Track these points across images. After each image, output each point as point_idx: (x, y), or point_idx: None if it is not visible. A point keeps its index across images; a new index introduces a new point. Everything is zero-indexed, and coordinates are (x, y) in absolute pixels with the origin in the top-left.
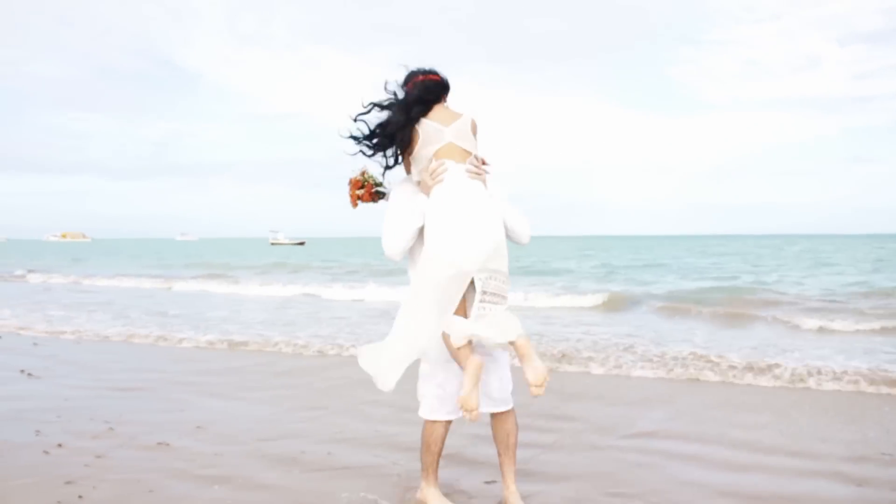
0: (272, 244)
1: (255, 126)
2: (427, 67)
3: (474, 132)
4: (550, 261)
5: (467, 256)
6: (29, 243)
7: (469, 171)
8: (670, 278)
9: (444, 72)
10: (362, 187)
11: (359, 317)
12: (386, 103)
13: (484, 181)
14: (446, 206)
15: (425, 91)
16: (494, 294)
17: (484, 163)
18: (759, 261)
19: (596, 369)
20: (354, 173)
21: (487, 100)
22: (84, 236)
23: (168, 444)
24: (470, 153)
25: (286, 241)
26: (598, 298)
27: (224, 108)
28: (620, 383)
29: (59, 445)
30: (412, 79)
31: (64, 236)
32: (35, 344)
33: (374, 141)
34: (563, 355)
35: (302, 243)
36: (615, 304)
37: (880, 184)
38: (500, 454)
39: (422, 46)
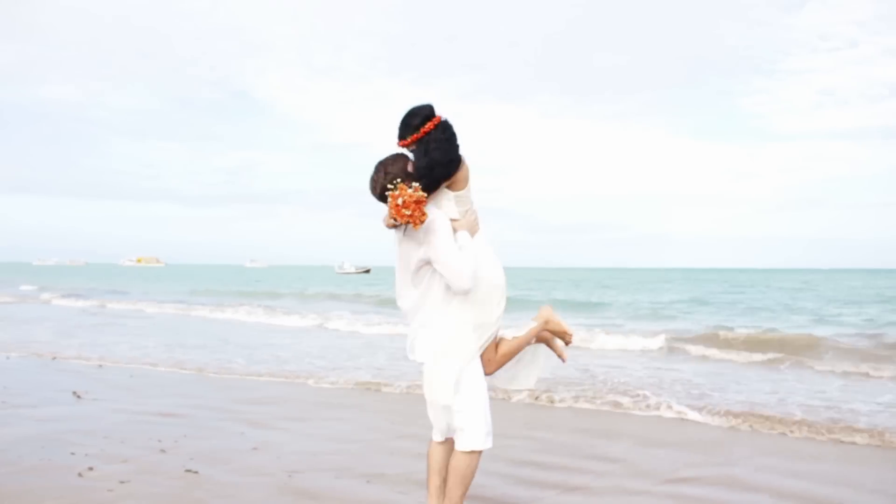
0: (338, 273)
1: (324, 155)
2: (426, 103)
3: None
4: (636, 292)
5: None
6: (106, 267)
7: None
8: (745, 318)
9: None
10: (418, 200)
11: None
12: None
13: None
14: (488, 247)
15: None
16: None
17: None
18: (852, 298)
19: (649, 412)
20: (392, 186)
21: (555, 130)
22: (158, 261)
23: (196, 473)
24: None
25: (352, 270)
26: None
27: (295, 137)
28: (674, 427)
29: (90, 469)
30: (434, 115)
31: (139, 261)
32: (100, 366)
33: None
34: (616, 398)
35: (367, 271)
36: (696, 341)
37: None
38: (432, 481)
39: (490, 79)
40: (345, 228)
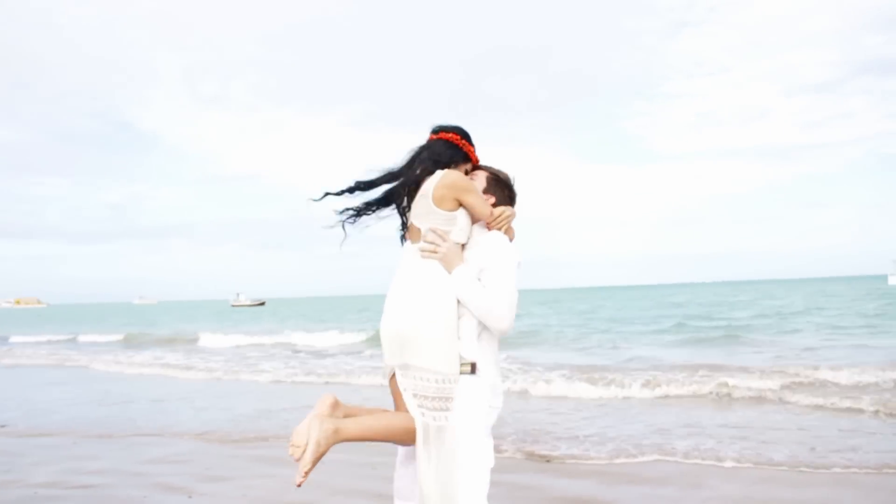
0: (233, 306)
1: (215, 187)
2: (439, 124)
3: (441, 200)
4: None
5: (383, 349)
6: None
7: (421, 250)
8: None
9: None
10: None
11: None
12: None
13: (443, 258)
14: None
15: (409, 159)
16: (422, 396)
17: (441, 237)
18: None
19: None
20: None
21: None
22: (38, 302)
23: None
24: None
25: (247, 303)
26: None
27: (183, 169)
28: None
29: None
30: (443, 131)
31: (17, 302)
32: None
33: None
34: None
35: (262, 303)
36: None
37: (834, 227)
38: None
39: (381, 106)
40: (237, 261)
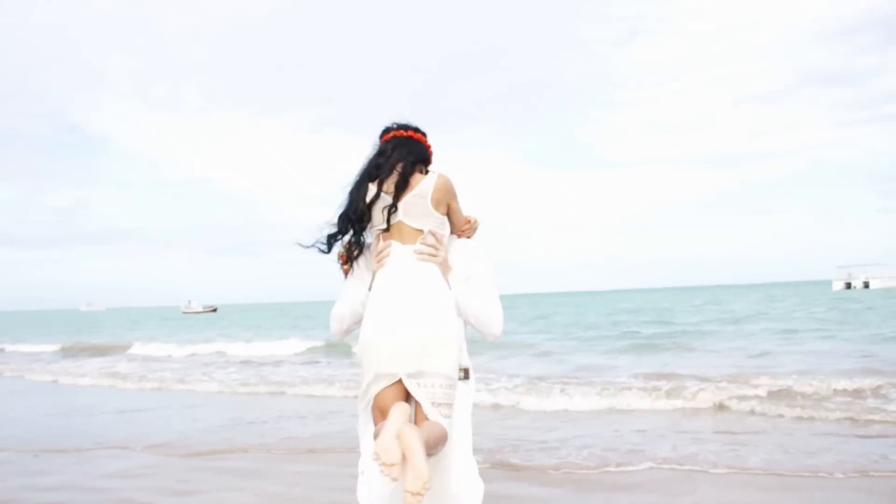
0: (184, 312)
1: (165, 192)
2: (402, 121)
3: (438, 203)
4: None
5: (384, 357)
6: None
7: (418, 253)
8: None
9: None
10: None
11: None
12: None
13: (442, 263)
14: (375, 298)
15: (379, 154)
16: (438, 404)
17: (439, 241)
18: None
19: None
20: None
21: None
22: None
23: None
24: (422, 232)
25: (199, 309)
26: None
27: (132, 173)
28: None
29: None
30: (382, 136)
31: None
32: None
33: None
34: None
35: (214, 310)
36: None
37: (780, 234)
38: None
39: (337, 111)
40: (188, 267)
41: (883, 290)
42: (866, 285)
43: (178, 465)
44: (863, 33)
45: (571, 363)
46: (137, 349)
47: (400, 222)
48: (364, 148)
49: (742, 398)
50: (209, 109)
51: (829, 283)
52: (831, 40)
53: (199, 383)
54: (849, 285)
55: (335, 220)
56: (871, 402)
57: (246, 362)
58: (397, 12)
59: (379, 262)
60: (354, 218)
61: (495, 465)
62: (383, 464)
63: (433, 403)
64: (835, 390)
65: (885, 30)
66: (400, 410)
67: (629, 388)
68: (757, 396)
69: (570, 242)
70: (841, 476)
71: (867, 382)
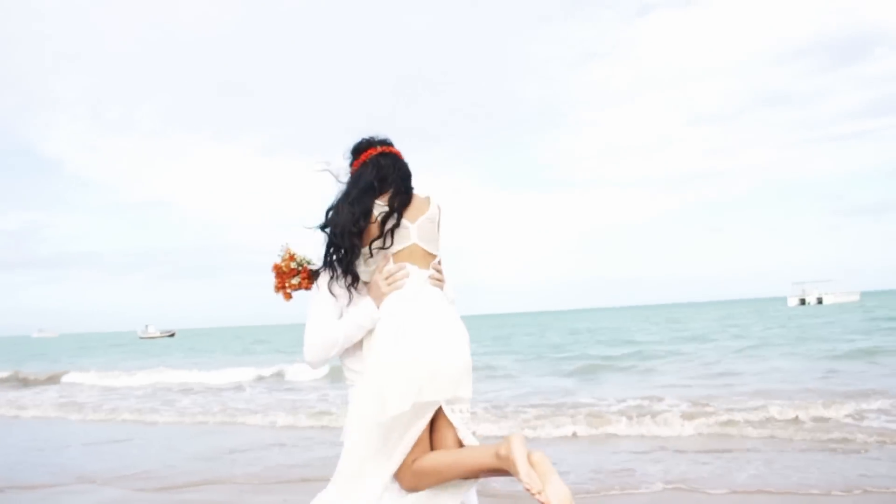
0: (141, 337)
1: (121, 215)
2: (381, 136)
3: (439, 226)
4: None
5: (424, 384)
6: None
7: (432, 279)
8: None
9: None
10: (296, 274)
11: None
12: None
13: (445, 289)
14: (407, 322)
15: (380, 169)
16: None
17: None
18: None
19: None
20: (278, 256)
21: None
22: None
23: None
24: (434, 256)
25: (156, 334)
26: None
27: (86, 197)
28: None
29: None
30: (364, 151)
31: None
32: None
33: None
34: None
35: (172, 335)
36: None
37: (735, 252)
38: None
39: (294, 133)
40: (145, 291)
41: (836, 306)
42: (820, 301)
43: (152, 500)
44: (809, 57)
45: (531, 385)
46: (93, 377)
47: (414, 245)
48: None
49: (718, 418)
50: (165, 132)
51: (783, 299)
52: (780, 63)
53: (159, 413)
54: (803, 301)
55: (328, 236)
56: (848, 419)
57: (208, 389)
58: (353, 35)
59: (391, 283)
60: (355, 232)
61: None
62: (536, 493)
63: (466, 427)
64: (809, 408)
65: (830, 53)
66: (521, 440)
67: (603, 414)
68: (730, 419)
69: (529, 263)
70: (839, 493)
71: (839, 398)
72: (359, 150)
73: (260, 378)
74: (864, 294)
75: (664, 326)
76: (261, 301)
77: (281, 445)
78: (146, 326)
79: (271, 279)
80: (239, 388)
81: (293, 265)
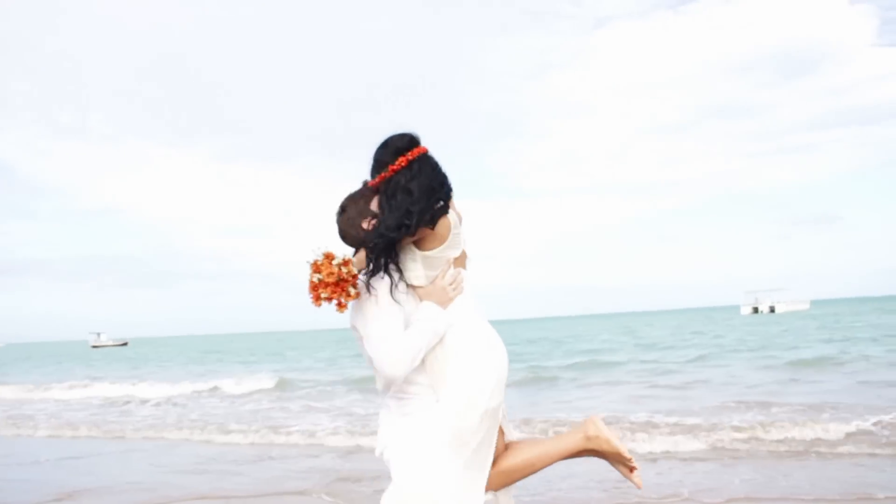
0: (93, 347)
1: (71, 222)
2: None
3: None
4: None
5: (501, 385)
6: None
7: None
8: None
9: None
10: (339, 280)
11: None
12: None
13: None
14: (488, 328)
15: (439, 171)
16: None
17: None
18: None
19: None
20: (315, 254)
21: (318, 189)
22: None
23: None
24: (463, 263)
25: (108, 343)
26: None
27: (35, 203)
28: None
29: None
30: (409, 149)
31: None
32: None
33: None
34: None
35: (125, 344)
36: None
37: (690, 261)
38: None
39: (254, 140)
40: (97, 299)
41: (788, 314)
42: (772, 309)
43: None
44: (760, 70)
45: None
46: (49, 389)
47: (464, 251)
48: (280, 178)
49: (696, 429)
50: (119, 137)
51: (737, 307)
52: (733, 76)
53: (119, 425)
54: (756, 310)
55: (387, 238)
56: (832, 425)
57: (167, 400)
58: (310, 42)
59: (456, 289)
60: (414, 228)
61: None
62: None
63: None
64: (787, 414)
65: (781, 67)
66: (602, 420)
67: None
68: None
69: (482, 273)
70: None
71: (810, 405)
72: (402, 149)
73: (203, 391)
74: (813, 303)
75: (623, 335)
76: (213, 310)
77: (250, 460)
78: (98, 335)
79: (307, 275)
80: (200, 398)
81: (340, 268)
